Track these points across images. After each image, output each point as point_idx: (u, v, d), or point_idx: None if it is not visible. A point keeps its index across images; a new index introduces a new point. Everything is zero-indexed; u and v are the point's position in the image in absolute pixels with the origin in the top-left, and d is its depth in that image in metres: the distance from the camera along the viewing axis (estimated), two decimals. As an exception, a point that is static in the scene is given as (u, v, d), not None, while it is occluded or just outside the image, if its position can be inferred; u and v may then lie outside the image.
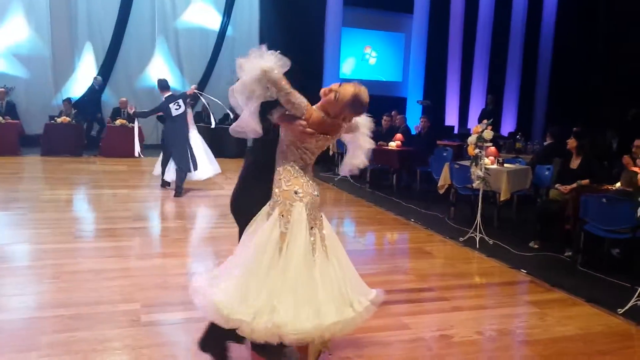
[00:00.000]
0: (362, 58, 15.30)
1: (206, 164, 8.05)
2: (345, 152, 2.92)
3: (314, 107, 2.56)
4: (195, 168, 7.84)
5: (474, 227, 5.85)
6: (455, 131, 14.13)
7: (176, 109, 7.75)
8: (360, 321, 2.62)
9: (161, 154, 8.11)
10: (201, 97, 8.14)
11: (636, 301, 4.05)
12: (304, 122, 2.50)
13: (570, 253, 5.30)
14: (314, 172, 2.74)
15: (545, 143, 8.42)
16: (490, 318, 3.87)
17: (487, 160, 6.04)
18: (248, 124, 2.52)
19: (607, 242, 5.12)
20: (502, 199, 6.42)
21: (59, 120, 11.19)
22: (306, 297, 2.45)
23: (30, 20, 12.18)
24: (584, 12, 14.91)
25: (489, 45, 15.32)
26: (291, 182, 2.58)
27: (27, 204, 6.67)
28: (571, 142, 5.93)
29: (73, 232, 5.62)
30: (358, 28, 14.93)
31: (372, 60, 15.42)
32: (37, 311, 3.56)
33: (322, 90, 2.59)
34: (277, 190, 2.58)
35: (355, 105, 2.56)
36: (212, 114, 8.56)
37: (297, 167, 2.61)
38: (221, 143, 10.75)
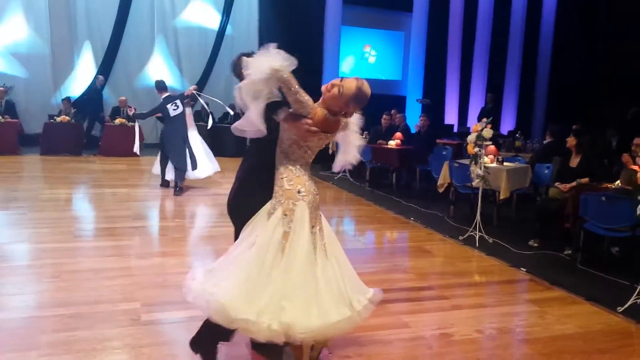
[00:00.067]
0: (361, 57, 15.29)
1: (205, 162, 8.07)
2: (337, 150, 2.93)
3: (316, 105, 2.56)
4: (195, 167, 7.85)
5: (473, 225, 5.86)
6: (455, 130, 14.15)
7: (174, 110, 7.76)
8: (360, 320, 2.63)
9: (159, 154, 8.12)
10: (199, 98, 8.13)
11: (636, 299, 4.05)
12: (309, 121, 2.50)
13: (569, 251, 5.30)
14: (312, 171, 2.74)
15: (544, 141, 8.42)
16: (490, 316, 3.87)
17: (486, 159, 6.03)
18: (253, 124, 2.50)
19: (606, 240, 5.13)
20: (501, 197, 6.42)
21: (58, 119, 11.19)
22: (312, 296, 2.46)
23: (29, 19, 12.17)
24: (584, 11, 14.91)
25: (489, 44, 15.32)
26: (293, 182, 2.58)
27: (26, 203, 6.67)
28: (571, 141, 5.93)
29: (73, 231, 5.61)
30: (357, 27, 14.93)
31: (372, 59, 15.42)
32: (37, 310, 3.56)
33: (324, 87, 2.58)
34: (279, 189, 2.58)
35: (359, 98, 2.56)
36: (211, 113, 8.56)
37: (298, 166, 2.61)
38: (220, 142, 10.75)
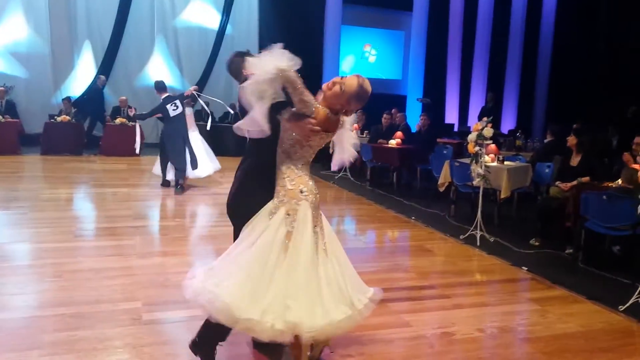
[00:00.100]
0: (361, 56, 15.30)
1: (206, 161, 8.08)
2: (333, 148, 2.94)
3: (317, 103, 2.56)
4: (195, 167, 7.86)
5: (474, 224, 5.85)
6: (455, 129, 14.15)
7: (174, 110, 7.76)
8: (360, 319, 2.63)
9: (160, 154, 8.12)
10: (199, 99, 8.13)
11: (637, 298, 4.05)
12: (313, 121, 2.50)
13: (571, 250, 5.29)
14: (312, 170, 2.74)
15: (545, 140, 8.42)
16: (491, 315, 3.87)
17: (487, 158, 6.03)
18: (257, 124, 2.49)
19: (607, 239, 5.13)
20: (502, 196, 6.42)
21: (58, 119, 11.20)
22: (316, 295, 2.46)
23: (29, 19, 12.18)
24: (584, 10, 14.90)
25: (489, 43, 15.32)
26: (295, 181, 2.58)
27: (27, 203, 6.67)
28: (571, 140, 5.93)
29: (73, 231, 5.61)
30: (357, 26, 14.94)
31: (372, 58, 15.42)
32: (38, 310, 3.56)
33: (324, 85, 2.58)
34: (281, 189, 2.58)
35: (361, 96, 2.56)
36: (211, 113, 8.55)
37: (299, 166, 2.61)
38: (220, 141, 10.73)
